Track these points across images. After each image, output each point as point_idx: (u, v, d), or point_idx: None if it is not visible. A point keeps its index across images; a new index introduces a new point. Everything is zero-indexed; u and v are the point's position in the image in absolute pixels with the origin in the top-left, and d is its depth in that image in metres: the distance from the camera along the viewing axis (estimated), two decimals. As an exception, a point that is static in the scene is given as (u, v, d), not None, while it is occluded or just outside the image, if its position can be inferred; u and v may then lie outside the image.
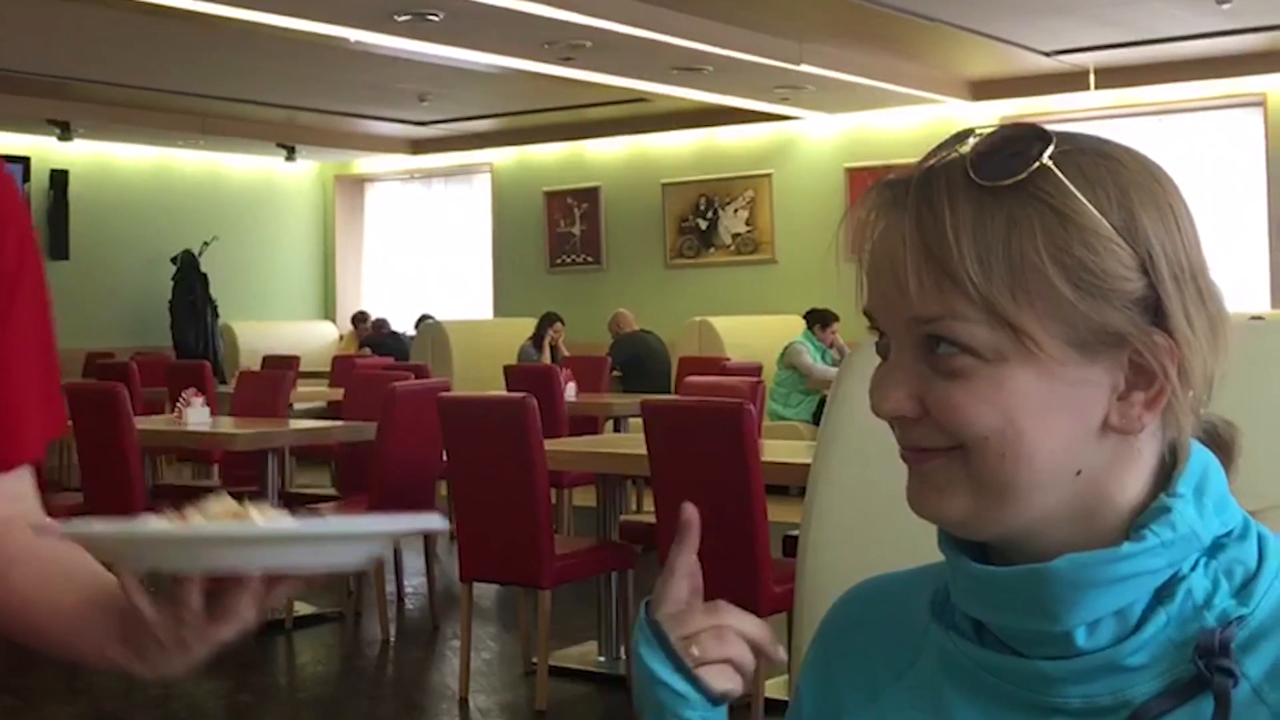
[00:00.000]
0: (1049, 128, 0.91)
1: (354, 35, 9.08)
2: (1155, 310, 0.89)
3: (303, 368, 11.10)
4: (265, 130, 13.97)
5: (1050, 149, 0.89)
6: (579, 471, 6.81)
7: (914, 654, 1.02)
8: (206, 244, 14.41)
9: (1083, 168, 0.89)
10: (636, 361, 10.75)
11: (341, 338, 15.27)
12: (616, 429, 8.43)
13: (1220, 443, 0.96)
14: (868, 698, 1.04)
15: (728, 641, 1.01)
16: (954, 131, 0.94)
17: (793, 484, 5.51)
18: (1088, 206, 0.88)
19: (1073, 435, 0.89)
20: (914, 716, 0.99)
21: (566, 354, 10.99)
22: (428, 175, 15.77)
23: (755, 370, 9.05)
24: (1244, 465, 0.97)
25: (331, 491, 7.43)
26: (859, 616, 1.09)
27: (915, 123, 11.93)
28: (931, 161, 0.92)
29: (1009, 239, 0.87)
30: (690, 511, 1.04)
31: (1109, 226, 0.88)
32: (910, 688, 1.01)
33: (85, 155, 13.94)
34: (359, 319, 14.71)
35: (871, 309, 0.94)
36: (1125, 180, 0.89)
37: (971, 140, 0.91)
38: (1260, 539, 0.93)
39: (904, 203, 0.90)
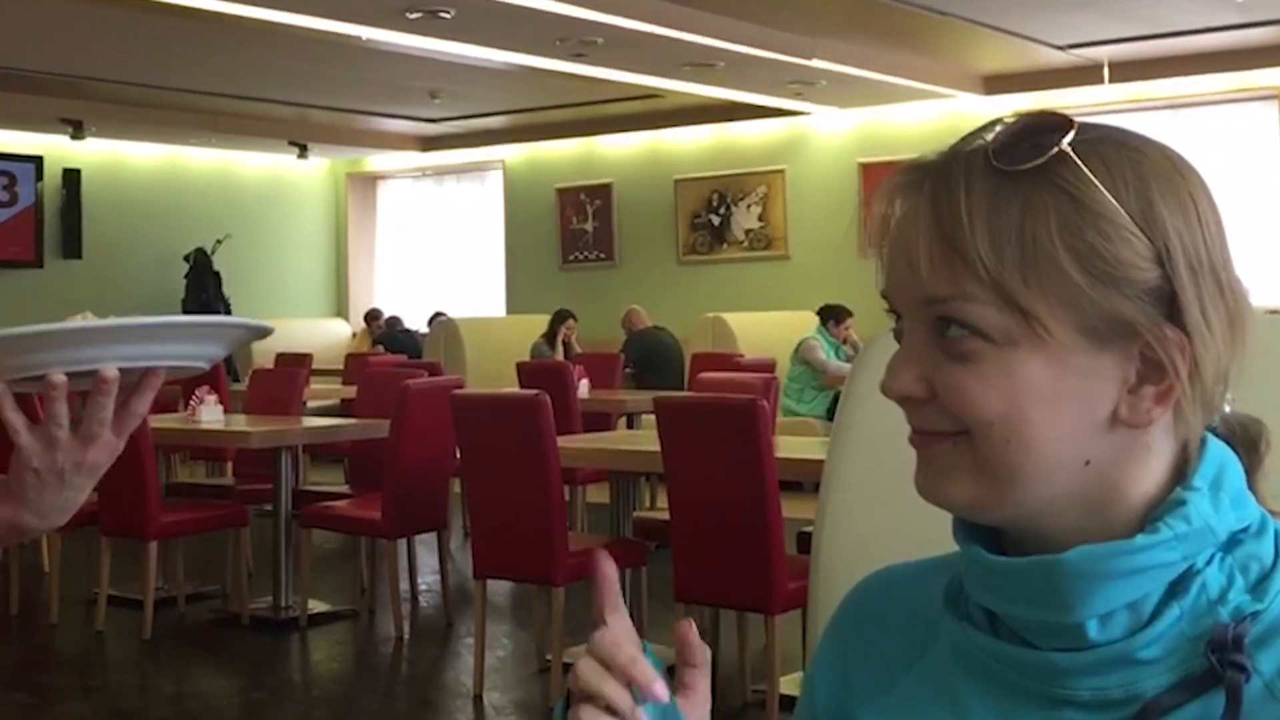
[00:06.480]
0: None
1: (366, 33, 9.09)
2: (1170, 303, 0.88)
3: (316, 365, 11.12)
4: (277, 128, 14.00)
5: (1071, 136, 0.89)
6: (592, 468, 6.81)
7: (927, 643, 1.01)
8: (219, 242, 14.46)
9: (1103, 156, 0.89)
10: (649, 358, 10.75)
11: (354, 335, 15.29)
12: (630, 426, 8.43)
13: (1245, 440, 0.95)
14: (881, 686, 1.03)
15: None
16: (968, 125, 0.94)
17: (807, 480, 5.51)
18: (1104, 193, 0.87)
19: (1079, 426, 0.89)
20: (926, 705, 0.99)
21: (579, 351, 10.99)
22: (440, 172, 15.79)
23: (769, 366, 9.04)
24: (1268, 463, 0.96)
25: (345, 489, 7.43)
26: (873, 605, 1.08)
27: (928, 117, 11.92)
28: (956, 147, 0.92)
29: (1022, 222, 0.87)
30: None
31: (1125, 215, 0.87)
32: (922, 677, 1.01)
33: (97, 154, 13.97)
34: (372, 316, 14.72)
35: (887, 290, 0.94)
36: (1146, 170, 0.89)
37: (998, 129, 0.91)
38: (1278, 536, 0.92)
39: (923, 185, 0.91)
